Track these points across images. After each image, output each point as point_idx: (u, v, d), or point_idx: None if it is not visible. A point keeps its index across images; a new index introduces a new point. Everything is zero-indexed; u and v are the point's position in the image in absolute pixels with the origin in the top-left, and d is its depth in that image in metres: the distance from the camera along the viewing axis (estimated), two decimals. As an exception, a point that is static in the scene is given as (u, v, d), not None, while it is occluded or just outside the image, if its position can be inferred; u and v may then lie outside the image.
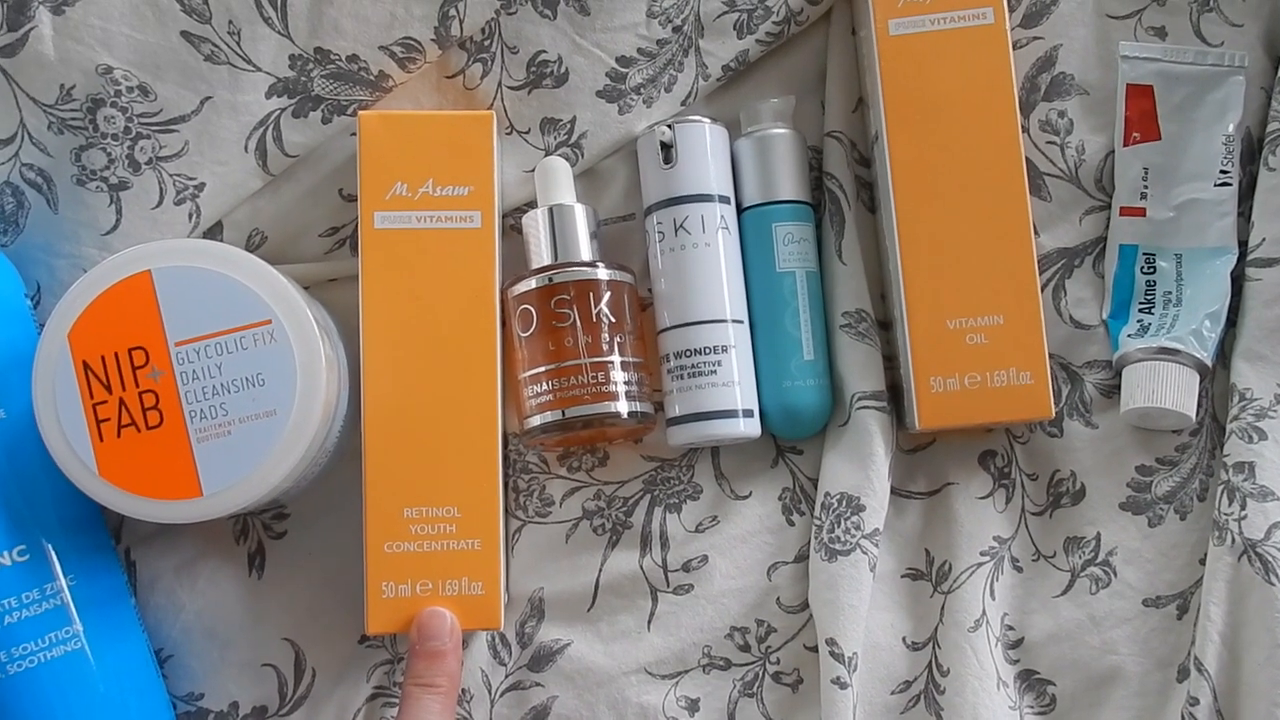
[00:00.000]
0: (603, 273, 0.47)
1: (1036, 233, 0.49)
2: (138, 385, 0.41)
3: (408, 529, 0.44)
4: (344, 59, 0.47)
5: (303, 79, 0.47)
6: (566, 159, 0.49)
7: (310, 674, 0.47)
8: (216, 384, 0.41)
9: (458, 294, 0.46)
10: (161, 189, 0.47)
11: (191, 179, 0.47)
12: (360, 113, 0.47)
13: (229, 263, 0.42)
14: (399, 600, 0.44)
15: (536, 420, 0.46)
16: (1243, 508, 0.44)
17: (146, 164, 0.46)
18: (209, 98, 0.46)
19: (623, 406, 0.46)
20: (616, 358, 0.46)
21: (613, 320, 0.46)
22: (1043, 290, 0.49)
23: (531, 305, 0.46)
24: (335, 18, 0.47)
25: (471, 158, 0.46)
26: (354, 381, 0.46)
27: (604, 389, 0.46)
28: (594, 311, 0.46)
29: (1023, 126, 0.49)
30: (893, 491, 0.49)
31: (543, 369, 0.46)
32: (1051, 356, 0.48)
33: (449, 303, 0.46)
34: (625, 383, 0.46)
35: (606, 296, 0.46)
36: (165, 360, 0.41)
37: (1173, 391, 0.45)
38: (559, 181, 0.49)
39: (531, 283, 0.47)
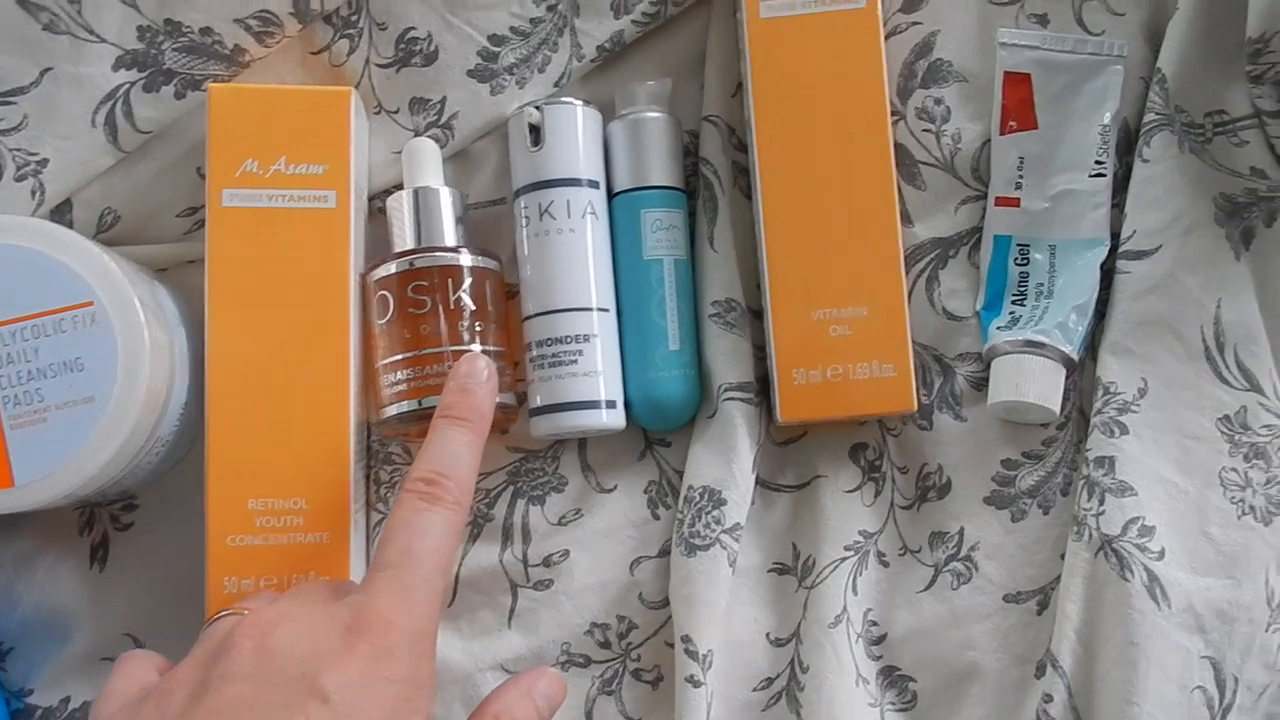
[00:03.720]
0: (465, 258, 0.45)
1: (911, 222, 0.48)
2: (-47, 368, 0.39)
3: (252, 521, 0.43)
4: (196, 31, 0.45)
5: (153, 51, 0.45)
6: (436, 140, 0.48)
7: (156, 668, 0.46)
8: (32, 368, 0.39)
9: (310, 277, 0.44)
10: (0, 164, 0.45)
11: (33, 154, 0.45)
12: (210, 85, 0.45)
13: (49, 240, 0.40)
14: (241, 596, 0.43)
15: (392, 410, 0.45)
16: (1101, 503, 0.44)
17: (-17, 137, 0.44)
18: (49, 69, 0.44)
19: None
20: (477, 346, 0.45)
21: (474, 308, 0.45)
22: (916, 280, 0.48)
23: (389, 291, 0.45)
24: (185, -12, 0.45)
25: (327, 135, 0.45)
26: (203, 367, 0.44)
27: (461, 378, 0.44)
28: (453, 298, 0.45)
29: (899, 114, 0.48)
30: (762, 484, 0.48)
31: (399, 357, 0.45)
32: (924, 348, 0.48)
33: (301, 286, 0.44)
34: None
35: (468, 283, 0.45)
36: (-19, 343, 0.40)
37: (1037, 385, 0.45)
38: (426, 163, 0.47)
39: (391, 267, 0.45)
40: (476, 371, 0.42)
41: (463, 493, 0.39)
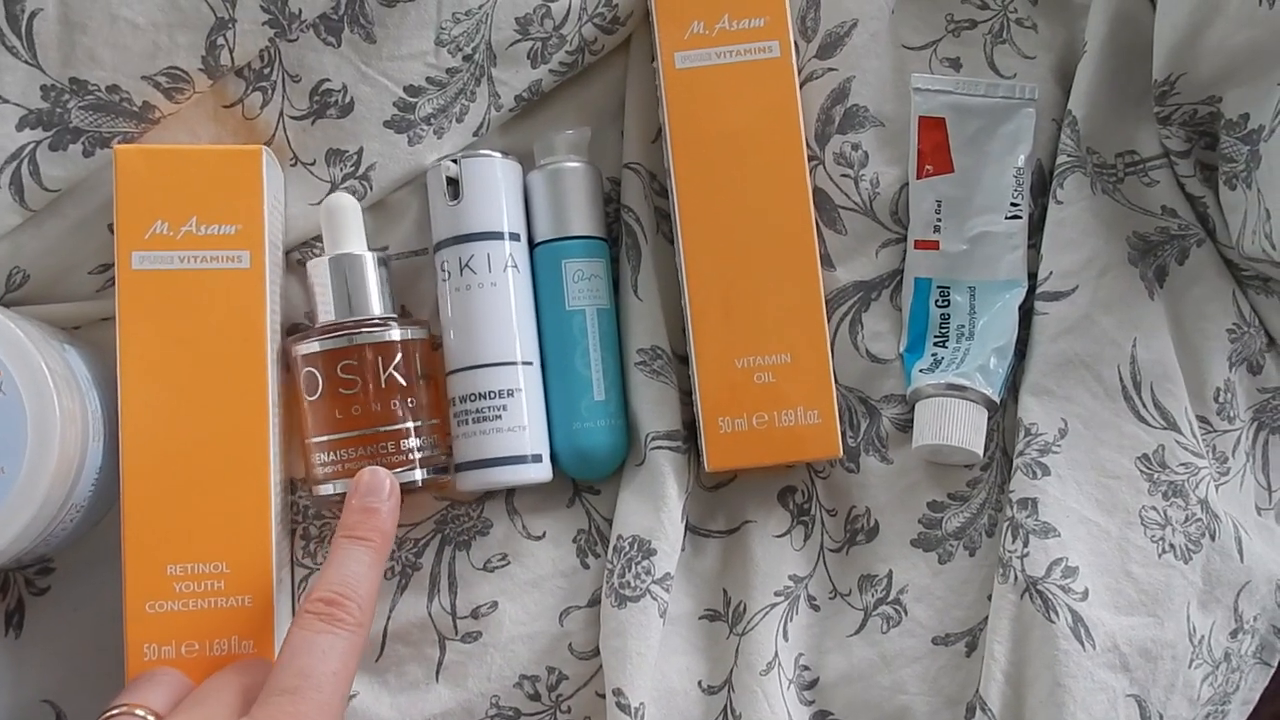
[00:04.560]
0: (395, 332, 0.45)
1: (833, 266, 0.48)
2: None
3: (172, 587, 0.42)
4: (103, 89, 0.44)
5: (58, 110, 0.44)
6: (354, 192, 0.47)
7: (74, 738, 0.45)
8: (-61, 441, 0.38)
9: (226, 338, 0.43)
10: (-99, 228, 0.43)
11: (-63, 217, 0.44)
12: (117, 147, 0.44)
13: (-47, 311, 0.39)
14: (163, 663, 0.42)
15: (327, 489, 0.44)
16: (1025, 544, 0.44)
17: (-118, 201, 0.43)
18: (-51, 131, 0.43)
19: (418, 474, 0.44)
20: (410, 424, 0.44)
21: (405, 383, 0.44)
22: (839, 324, 0.48)
23: (316, 368, 0.44)
24: (90, 47, 0.44)
25: (239, 195, 0.44)
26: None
27: (396, 458, 0.44)
28: (384, 376, 0.44)
29: (818, 159, 0.49)
30: (692, 530, 0.48)
31: (331, 437, 0.44)
32: (849, 390, 0.48)
33: (216, 348, 0.43)
34: (419, 448, 0.44)
35: (398, 358, 0.44)
36: (-116, 416, 0.38)
37: (960, 428, 0.45)
38: (346, 224, 0.46)
39: (315, 344, 0.44)
40: (379, 488, 0.42)
41: (364, 613, 0.39)
